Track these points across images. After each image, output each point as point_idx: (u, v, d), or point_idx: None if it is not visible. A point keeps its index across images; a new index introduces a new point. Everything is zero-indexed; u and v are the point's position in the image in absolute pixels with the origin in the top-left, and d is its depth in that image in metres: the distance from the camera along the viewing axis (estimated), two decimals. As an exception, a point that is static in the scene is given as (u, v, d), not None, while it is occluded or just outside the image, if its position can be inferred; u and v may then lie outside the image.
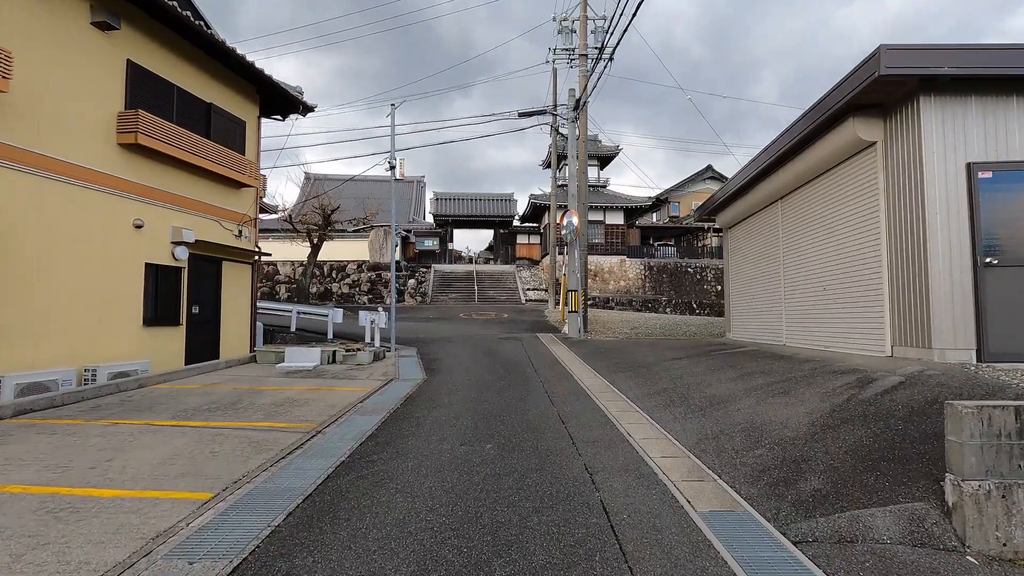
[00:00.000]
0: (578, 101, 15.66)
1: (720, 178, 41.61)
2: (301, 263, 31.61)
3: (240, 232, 12.37)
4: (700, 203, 43.04)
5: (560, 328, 18.33)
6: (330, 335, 16.07)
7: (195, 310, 10.98)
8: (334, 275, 31.35)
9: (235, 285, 12.23)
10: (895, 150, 7.14)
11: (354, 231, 34.44)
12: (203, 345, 11.18)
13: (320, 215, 25.55)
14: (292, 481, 4.26)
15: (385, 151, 13.86)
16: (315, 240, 25.71)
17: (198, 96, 11.12)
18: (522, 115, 17.79)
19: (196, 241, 10.80)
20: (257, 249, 13.14)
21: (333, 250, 31.78)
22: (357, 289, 30.11)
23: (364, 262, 31.37)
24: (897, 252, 7.07)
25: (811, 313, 9.59)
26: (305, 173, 39.65)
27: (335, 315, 15.85)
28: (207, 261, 11.44)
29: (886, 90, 6.76)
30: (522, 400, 7.48)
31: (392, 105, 13.45)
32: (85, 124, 8.78)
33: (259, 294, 31.71)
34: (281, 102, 13.38)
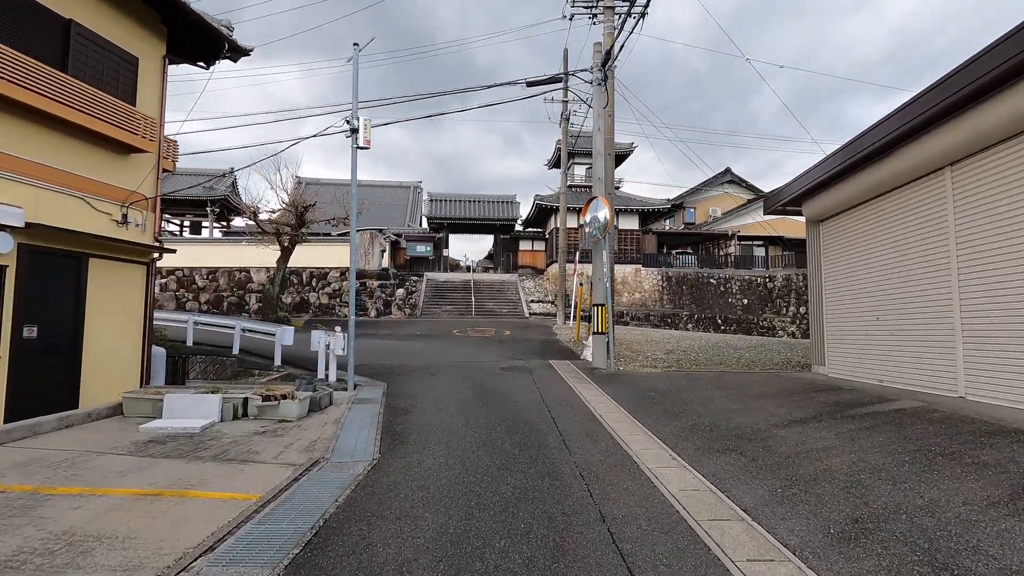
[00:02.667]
0: (607, 55, 11.74)
1: (740, 182, 37.78)
2: (290, 270, 27.60)
3: (125, 217, 8.34)
4: (720, 207, 39.20)
5: (578, 352, 14.28)
6: (277, 361, 12.00)
7: (29, 332, 6.92)
8: (314, 283, 27.32)
9: (111, 294, 8.15)
10: None
11: (339, 235, 30.51)
12: (44, 388, 7.09)
13: (292, 214, 21.60)
14: None
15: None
16: (286, 243, 21.74)
17: (46, 5, 7.16)
18: (531, 84, 13.82)
19: (31, 226, 6.79)
20: (157, 244, 9.12)
21: (314, 255, 27.82)
22: (338, 300, 26.06)
23: (348, 269, 27.33)
24: None
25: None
26: (296, 176, 35.88)
27: (284, 335, 11.80)
28: (60, 257, 7.40)
29: None
30: (558, 550, 3.43)
31: (355, 45, 9.49)
32: None
33: (224, 305, 27.70)
34: (200, 39, 9.40)
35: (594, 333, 11.81)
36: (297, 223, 21.57)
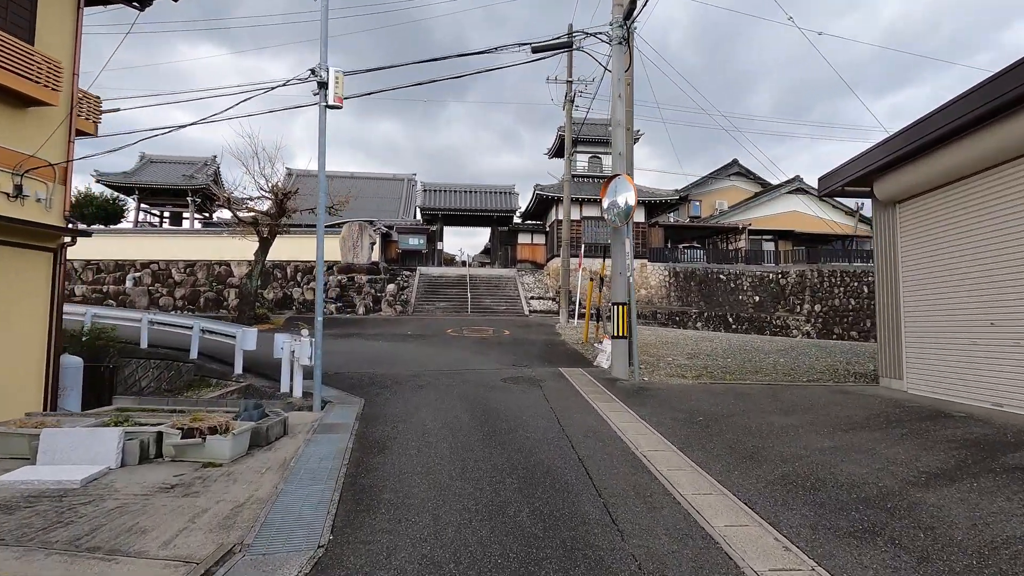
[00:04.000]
0: (631, 5, 9.78)
1: (748, 175, 35.94)
2: (273, 263, 25.56)
3: (19, 189, 6.35)
4: (727, 200, 37.30)
5: (589, 357, 12.38)
6: (237, 369, 10.03)
7: None
8: (299, 278, 25.32)
9: (-2, 289, 6.18)
10: None
11: (328, 226, 28.47)
12: None
13: (272, 200, 19.57)
14: None
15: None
16: (265, 233, 19.71)
17: None
18: (536, 49, 11.84)
19: None
20: (67, 226, 7.12)
21: (299, 248, 25.82)
22: (324, 296, 24.03)
23: (336, 263, 25.36)
24: None
25: None
26: (287, 168, 33.70)
27: (244, 339, 9.82)
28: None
29: None
30: None
31: (324, -24, 7.50)
32: None
33: (201, 301, 25.59)
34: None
35: (613, 337, 9.90)
36: (277, 212, 19.54)
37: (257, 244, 19.80)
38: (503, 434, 5.94)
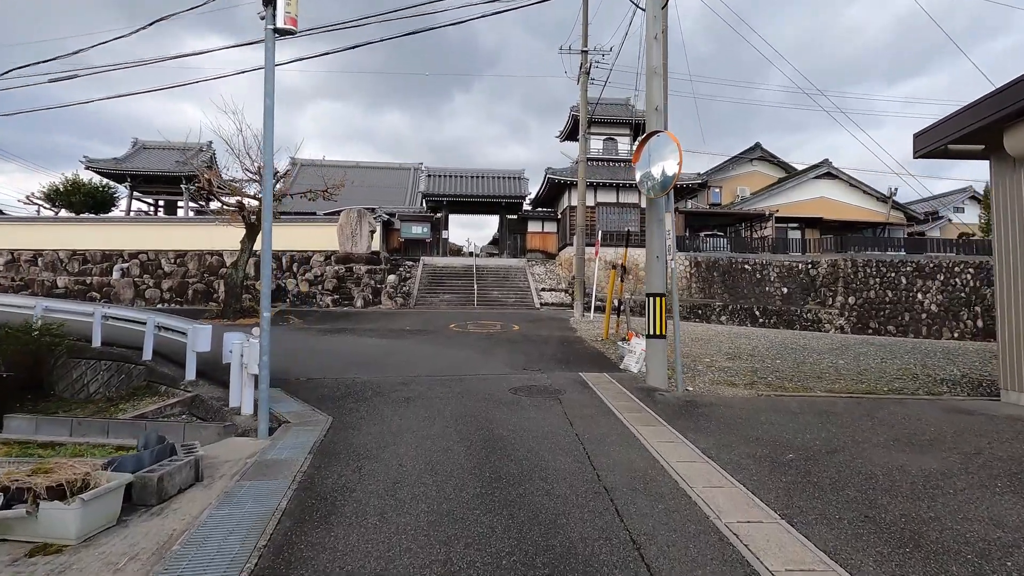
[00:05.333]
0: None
1: (771, 159, 33.63)
2: (259, 253, 23.82)
3: None
4: (749, 187, 34.92)
5: (612, 358, 10.44)
6: (189, 375, 8.16)
7: None
8: (295, 268, 23.53)
9: None
10: None
11: (326, 214, 26.68)
12: None
13: (259, 180, 17.72)
14: None
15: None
16: (253, 219, 17.90)
17: None
18: (552, -6, 9.86)
19: None
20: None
21: (295, 237, 24.08)
22: (320, 287, 22.24)
23: (334, 252, 23.57)
24: None
25: None
26: (291, 159, 31.82)
27: (196, 338, 7.94)
28: None
29: None
30: None
31: None
32: None
33: (190, 293, 23.80)
34: None
35: (647, 336, 7.93)
36: (265, 196, 17.69)
37: (244, 231, 18.04)
38: (511, 484, 4.02)
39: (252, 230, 17.70)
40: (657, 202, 7.94)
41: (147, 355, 9.40)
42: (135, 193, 29.77)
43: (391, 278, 22.29)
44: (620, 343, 10.75)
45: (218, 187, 17.88)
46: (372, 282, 22.04)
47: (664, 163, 7.48)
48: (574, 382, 7.94)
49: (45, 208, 27.54)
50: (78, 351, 10.50)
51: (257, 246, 18.91)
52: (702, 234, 27.64)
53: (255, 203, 18.09)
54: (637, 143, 7.78)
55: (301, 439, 5.26)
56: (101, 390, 9.85)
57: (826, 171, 30.15)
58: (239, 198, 17.48)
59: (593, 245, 19.08)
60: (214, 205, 30.62)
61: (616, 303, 13.64)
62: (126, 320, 10.31)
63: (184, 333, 8.52)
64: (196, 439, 5.09)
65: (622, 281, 13.65)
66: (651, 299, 7.87)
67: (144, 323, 9.62)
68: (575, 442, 5.06)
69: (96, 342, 10.47)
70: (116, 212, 29.44)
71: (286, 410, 6.40)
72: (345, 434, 5.40)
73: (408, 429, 5.50)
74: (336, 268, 22.52)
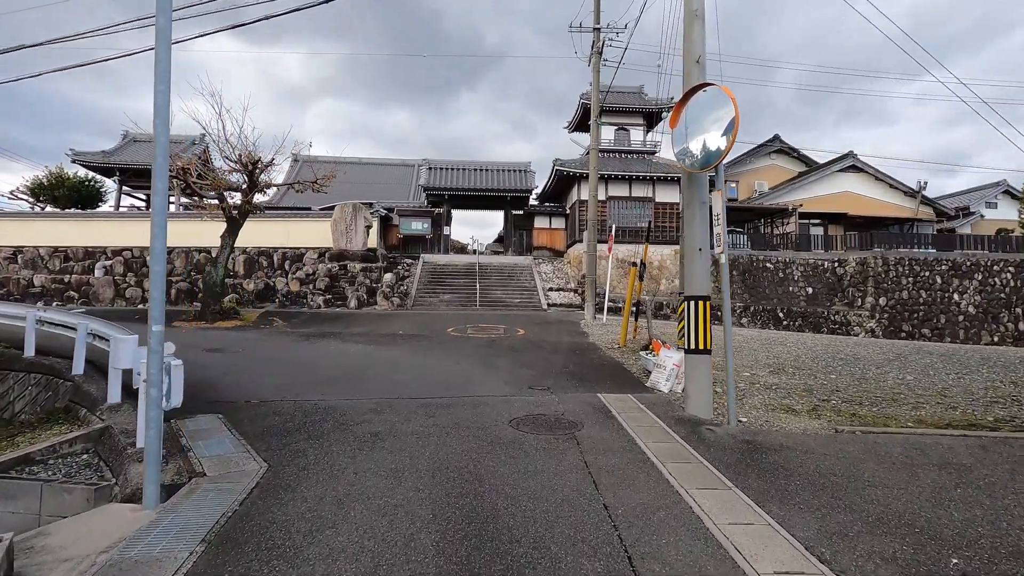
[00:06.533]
0: None
1: (790, 151, 31.67)
2: (258, 249, 22.23)
3: None
4: (767, 181, 32.91)
5: (634, 370, 8.66)
6: (112, 398, 6.44)
7: None
8: (287, 266, 21.91)
9: None
10: None
11: (322, 209, 25.04)
12: None
13: (241, 170, 16.09)
14: None
15: None
16: (233, 212, 16.27)
17: None
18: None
19: None
20: None
21: (287, 233, 22.56)
22: (311, 286, 20.58)
23: (328, 249, 21.94)
24: None
25: None
26: (293, 155, 30.20)
27: (119, 352, 6.22)
28: None
29: None
30: None
31: None
32: None
33: (172, 293, 21.98)
34: None
35: (687, 350, 6.17)
36: (249, 185, 16.08)
37: (246, 229, 16.46)
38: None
39: (234, 225, 16.07)
40: (699, 179, 6.18)
41: (77, 369, 7.74)
42: (125, 188, 28.25)
43: (388, 276, 20.61)
44: (643, 354, 9.00)
45: (198, 176, 16.28)
46: (367, 281, 20.37)
47: (709, 131, 5.72)
48: (593, 408, 6.20)
49: (30, 204, 26.09)
50: (7, 361, 8.88)
51: (240, 242, 17.32)
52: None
53: (237, 195, 16.49)
54: (676, 103, 6.00)
55: (204, 511, 3.57)
56: (27, 409, 8.22)
57: (851, 163, 28.18)
58: (219, 189, 15.84)
59: (605, 241, 17.31)
60: (201, 199, 29.02)
61: (634, 305, 11.89)
62: (61, 325, 8.67)
63: (70, 327, 6.86)
64: (59, 506, 3.42)
65: (640, 280, 11.88)
66: (691, 303, 6.12)
67: (75, 329, 7.96)
68: (604, 524, 3.33)
69: (29, 351, 8.86)
70: (105, 207, 27.96)
71: (212, 453, 4.73)
72: (272, 501, 3.70)
73: (362, 494, 3.79)
74: (329, 266, 20.88)
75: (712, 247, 6.08)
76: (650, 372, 8.63)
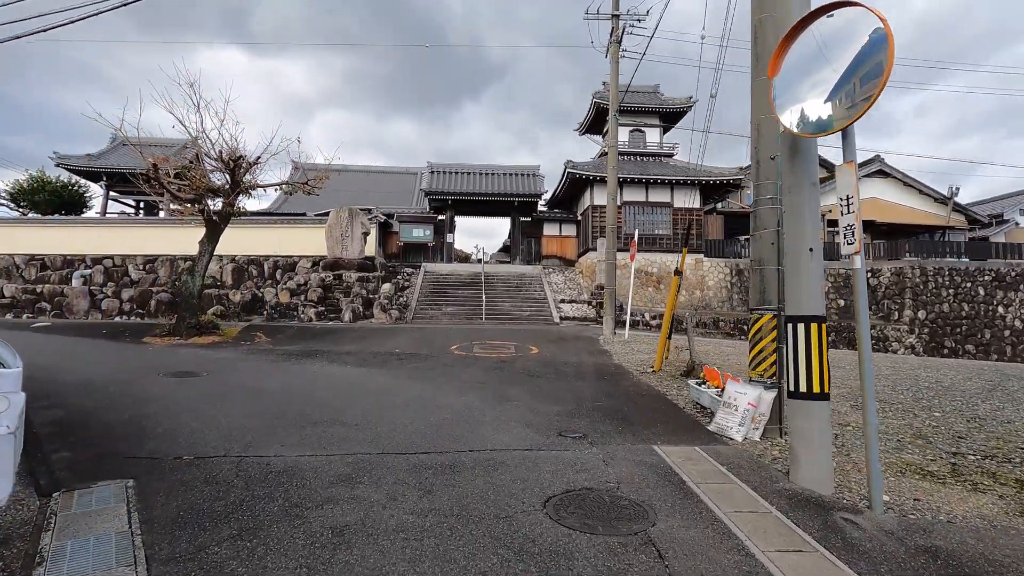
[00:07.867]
0: None
1: (811, 156, 29.84)
2: (248, 258, 20.49)
3: None
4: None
5: (682, 404, 6.78)
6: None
7: None
8: (278, 275, 20.16)
9: None
10: None
11: (317, 215, 23.32)
12: None
13: (222, 168, 14.37)
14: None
15: None
16: (213, 215, 14.53)
17: None
18: None
19: None
20: None
21: (282, 240, 20.86)
22: (302, 297, 18.78)
23: (322, 258, 20.20)
24: None
25: None
26: (293, 162, 28.65)
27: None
28: None
29: None
30: None
31: None
32: None
33: (152, 304, 19.93)
34: None
35: (791, 393, 4.31)
36: (231, 187, 14.35)
37: (238, 237, 14.73)
38: None
39: (213, 229, 14.33)
40: (807, 150, 4.36)
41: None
42: (112, 193, 26.63)
43: (386, 287, 18.81)
44: (693, 383, 7.14)
45: (176, 175, 14.59)
46: (364, 292, 18.57)
47: (828, 80, 3.91)
48: (657, 475, 4.34)
49: (8, 209, 24.46)
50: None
51: (220, 249, 15.56)
52: (741, 238, 23.97)
53: (218, 198, 14.75)
54: (782, 38, 4.18)
55: None
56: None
57: (877, 168, 26.41)
58: (199, 191, 14.11)
59: (626, 249, 15.50)
60: (178, 200, 27.32)
61: (672, 322, 10.03)
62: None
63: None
64: None
65: (678, 292, 10.04)
66: (795, 326, 4.28)
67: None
68: None
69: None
70: (91, 213, 26.33)
71: (76, 572, 2.88)
72: None
73: None
74: (323, 275, 19.10)
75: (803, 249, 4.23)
76: (703, 406, 6.80)
